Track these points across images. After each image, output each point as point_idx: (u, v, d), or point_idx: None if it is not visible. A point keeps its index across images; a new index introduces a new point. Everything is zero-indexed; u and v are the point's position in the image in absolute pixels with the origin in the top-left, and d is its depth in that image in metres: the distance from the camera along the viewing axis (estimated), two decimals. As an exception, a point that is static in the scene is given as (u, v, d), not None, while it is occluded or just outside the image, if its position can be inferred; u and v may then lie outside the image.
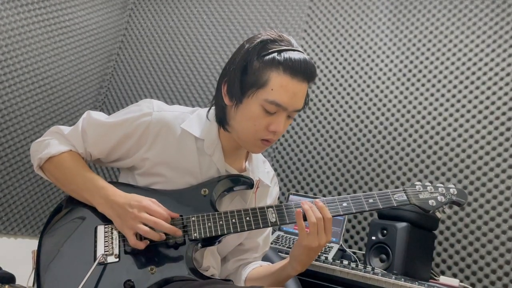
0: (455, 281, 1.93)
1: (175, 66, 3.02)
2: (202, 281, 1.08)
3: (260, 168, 1.38)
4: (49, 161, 1.23)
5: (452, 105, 2.33)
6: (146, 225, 1.10)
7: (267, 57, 1.13)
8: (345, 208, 1.17)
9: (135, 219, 1.10)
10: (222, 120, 1.23)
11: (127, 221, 1.10)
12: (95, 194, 1.17)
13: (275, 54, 1.13)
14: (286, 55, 1.13)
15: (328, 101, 2.60)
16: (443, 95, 2.36)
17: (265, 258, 1.56)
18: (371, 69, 2.55)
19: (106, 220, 1.16)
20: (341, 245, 2.11)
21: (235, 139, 1.23)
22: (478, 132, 2.25)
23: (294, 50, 1.14)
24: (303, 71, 1.13)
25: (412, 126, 2.39)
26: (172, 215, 1.14)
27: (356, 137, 2.49)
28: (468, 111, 2.29)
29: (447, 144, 2.29)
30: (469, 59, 2.35)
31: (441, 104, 2.35)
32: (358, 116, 2.51)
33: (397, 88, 2.47)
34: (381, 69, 2.53)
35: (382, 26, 2.58)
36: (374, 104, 2.49)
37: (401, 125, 2.41)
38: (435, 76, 2.40)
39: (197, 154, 1.23)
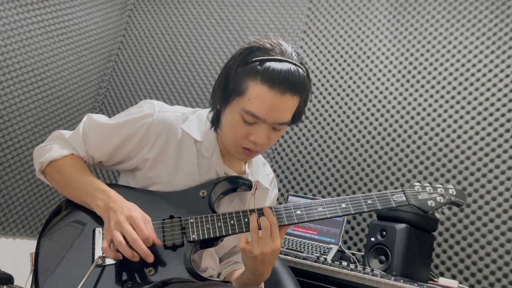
0: (454, 283, 1.93)
1: (175, 67, 3.02)
2: (200, 282, 1.08)
3: (260, 171, 1.38)
4: (50, 165, 1.22)
5: (452, 107, 2.33)
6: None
7: (249, 65, 1.11)
8: (344, 209, 1.17)
9: (117, 224, 1.06)
10: (214, 123, 1.23)
11: (111, 223, 1.08)
12: (94, 198, 1.15)
13: (256, 63, 1.10)
14: (267, 64, 1.09)
15: (327, 102, 2.60)
16: (442, 97, 2.36)
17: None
18: (371, 70, 2.55)
19: (105, 222, 1.16)
20: (340, 246, 2.10)
21: (224, 143, 1.23)
22: (477, 133, 2.25)
23: (281, 61, 1.10)
24: (282, 83, 1.07)
25: (411, 127, 2.39)
26: (156, 242, 1.08)
27: (355, 138, 2.49)
28: (467, 113, 2.29)
29: (446, 145, 2.29)
30: (468, 61, 2.35)
31: (440, 106, 2.35)
32: (357, 117, 2.51)
33: (396, 89, 2.47)
34: (380, 70, 2.53)
35: (381, 27, 2.58)
36: (374, 105, 2.49)
37: (400, 126, 2.41)
38: (434, 78, 2.40)
39: (196, 156, 1.23)
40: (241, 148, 1.17)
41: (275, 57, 1.11)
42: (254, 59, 1.11)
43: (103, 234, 1.15)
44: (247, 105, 1.10)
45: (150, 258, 1.06)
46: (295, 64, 1.12)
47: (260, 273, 1.15)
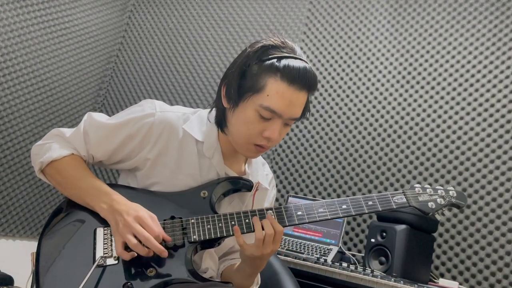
0: (454, 284, 1.93)
1: (175, 68, 3.02)
2: (201, 283, 1.08)
3: (260, 171, 1.38)
4: (50, 165, 1.22)
5: (452, 108, 2.33)
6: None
7: (266, 62, 1.13)
8: (344, 210, 1.17)
9: (126, 227, 1.08)
10: (220, 123, 1.24)
11: (120, 227, 1.09)
12: (98, 200, 1.16)
13: (274, 60, 1.12)
14: (285, 62, 1.12)
15: (328, 103, 2.60)
16: (442, 98, 2.36)
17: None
18: (370, 71, 2.55)
19: (105, 223, 1.15)
20: (340, 247, 2.10)
21: (231, 142, 1.23)
22: (477, 134, 2.25)
23: (295, 58, 1.14)
24: (302, 80, 1.12)
25: (411, 128, 2.39)
26: (165, 238, 1.10)
27: (356, 139, 2.49)
28: (468, 114, 2.29)
29: (446, 146, 2.29)
30: (468, 62, 2.35)
31: (440, 107, 2.35)
32: (357, 118, 2.51)
33: (396, 90, 2.47)
34: (380, 72, 2.53)
35: (381, 29, 2.58)
36: (374, 106, 2.49)
37: (401, 127, 2.41)
38: (434, 79, 2.40)
39: (197, 156, 1.23)
40: (252, 145, 1.18)
41: (291, 55, 1.14)
42: (271, 56, 1.13)
43: (104, 234, 1.15)
44: (265, 101, 1.12)
45: (165, 253, 1.08)
46: (306, 63, 1.16)
47: (257, 266, 1.21)
